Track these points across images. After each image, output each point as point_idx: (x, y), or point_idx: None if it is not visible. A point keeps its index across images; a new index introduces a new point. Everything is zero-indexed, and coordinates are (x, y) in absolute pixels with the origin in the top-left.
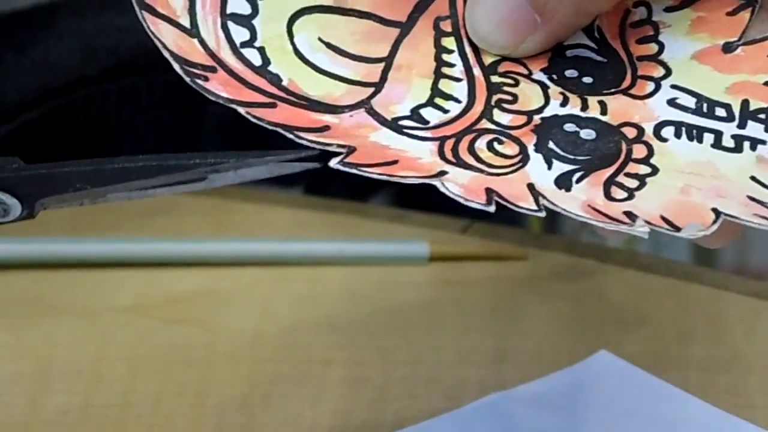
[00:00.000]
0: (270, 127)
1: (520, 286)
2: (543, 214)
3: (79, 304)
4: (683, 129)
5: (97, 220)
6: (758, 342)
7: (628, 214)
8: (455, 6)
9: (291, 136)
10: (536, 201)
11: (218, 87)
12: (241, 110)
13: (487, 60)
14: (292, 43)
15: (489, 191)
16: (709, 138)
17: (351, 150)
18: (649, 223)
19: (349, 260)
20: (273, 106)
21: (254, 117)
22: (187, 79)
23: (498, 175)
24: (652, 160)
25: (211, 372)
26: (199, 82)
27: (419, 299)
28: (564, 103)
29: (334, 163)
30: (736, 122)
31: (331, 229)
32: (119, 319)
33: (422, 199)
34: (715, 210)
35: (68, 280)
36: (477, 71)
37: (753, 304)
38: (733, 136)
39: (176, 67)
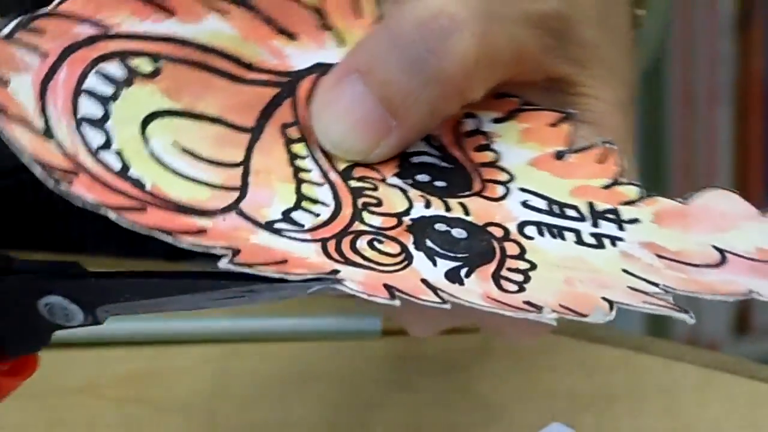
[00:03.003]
0: (145, 232)
1: (473, 359)
2: (448, 306)
3: (28, 386)
4: (544, 228)
5: None
6: (710, 413)
7: (529, 303)
8: (297, 113)
9: (170, 239)
10: (437, 294)
11: (83, 191)
12: (112, 215)
13: (340, 166)
14: (148, 147)
15: (388, 287)
16: (570, 236)
17: (236, 251)
18: (553, 311)
19: (301, 336)
20: (143, 209)
21: (127, 221)
22: (50, 183)
23: (389, 272)
24: (527, 256)
25: None
26: (63, 187)
27: (371, 374)
28: (428, 206)
29: (223, 263)
30: (590, 222)
31: (282, 304)
32: (70, 400)
33: None
34: (605, 299)
35: None
36: (334, 176)
37: (705, 374)
38: (592, 234)
39: (37, 171)
